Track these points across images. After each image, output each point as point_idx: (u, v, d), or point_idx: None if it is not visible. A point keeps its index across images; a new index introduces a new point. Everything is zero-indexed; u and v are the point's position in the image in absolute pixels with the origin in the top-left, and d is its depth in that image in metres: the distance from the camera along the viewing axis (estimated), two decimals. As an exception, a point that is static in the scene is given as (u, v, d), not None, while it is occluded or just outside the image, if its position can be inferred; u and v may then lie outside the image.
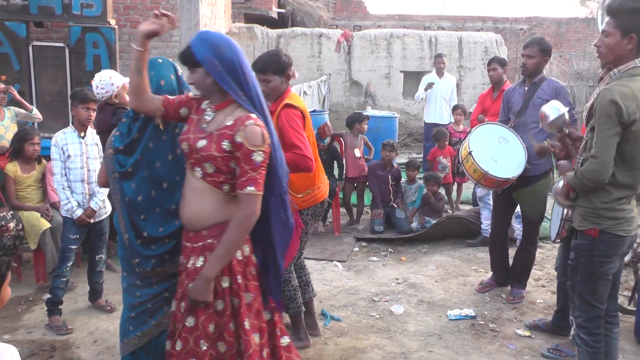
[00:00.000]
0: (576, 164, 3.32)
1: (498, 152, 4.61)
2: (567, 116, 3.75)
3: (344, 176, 7.24)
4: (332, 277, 5.60)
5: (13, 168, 5.23)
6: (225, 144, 2.51)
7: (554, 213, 4.04)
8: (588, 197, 3.19)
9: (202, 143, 2.56)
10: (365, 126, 7.54)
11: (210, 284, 2.51)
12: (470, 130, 4.81)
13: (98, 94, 4.71)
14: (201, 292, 2.50)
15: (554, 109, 3.75)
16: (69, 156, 4.45)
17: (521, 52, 5.03)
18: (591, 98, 3.21)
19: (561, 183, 3.54)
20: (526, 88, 4.80)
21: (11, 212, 4.99)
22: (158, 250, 2.87)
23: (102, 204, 4.61)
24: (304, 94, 11.71)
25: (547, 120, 3.75)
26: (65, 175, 4.47)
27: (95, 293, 4.80)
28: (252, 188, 2.48)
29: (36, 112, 6.32)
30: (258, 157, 2.48)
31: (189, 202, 2.64)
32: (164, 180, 2.87)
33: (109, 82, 4.67)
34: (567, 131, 3.68)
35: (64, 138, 4.48)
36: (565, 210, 3.74)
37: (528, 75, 4.79)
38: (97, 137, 4.67)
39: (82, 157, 4.50)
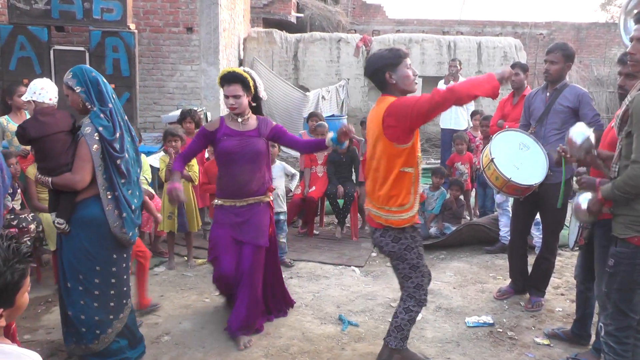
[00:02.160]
0: (612, 174, 3.27)
1: (519, 159, 4.57)
2: (592, 138, 3.62)
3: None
4: (350, 282, 5.58)
5: (34, 170, 5.27)
6: None
7: (572, 220, 3.99)
8: (630, 204, 3.13)
9: None
10: None
11: None
12: (491, 137, 4.77)
13: (43, 101, 4.48)
14: None
15: (579, 134, 3.63)
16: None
17: (542, 57, 4.98)
18: (622, 105, 3.16)
19: (582, 198, 3.49)
20: (548, 94, 4.76)
21: (32, 214, 5.09)
22: (137, 220, 3.66)
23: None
24: (322, 98, 11.74)
25: (575, 145, 3.61)
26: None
27: (113, 295, 4.82)
28: None
29: None
30: None
31: None
32: (132, 157, 3.64)
33: (44, 94, 4.36)
34: (595, 152, 3.58)
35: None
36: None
37: (551, 82, 4.74)
38: None
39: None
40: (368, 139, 3.73)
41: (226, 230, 4.23)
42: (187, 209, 5.92)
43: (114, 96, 3.60)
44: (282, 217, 6.10)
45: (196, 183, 5.99)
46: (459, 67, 9.50)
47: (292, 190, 6.68)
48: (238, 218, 4.23)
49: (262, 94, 4.37)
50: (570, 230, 4.05)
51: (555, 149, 4.53)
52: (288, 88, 12.00)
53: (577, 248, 4.01)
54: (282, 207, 6.11)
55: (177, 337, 4.34)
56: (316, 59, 13.90)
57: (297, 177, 6.67)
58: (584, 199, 3.51)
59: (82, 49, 8.23)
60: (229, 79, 4.09)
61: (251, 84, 4.17)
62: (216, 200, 4.34)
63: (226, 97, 4.14)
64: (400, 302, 3.76)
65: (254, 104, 4.32)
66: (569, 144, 3.68)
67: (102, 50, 8.08)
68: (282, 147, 6.87)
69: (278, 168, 6.16)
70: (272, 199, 4.45)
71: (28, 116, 5.95)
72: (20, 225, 4.94)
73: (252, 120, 4.27)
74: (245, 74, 4.14)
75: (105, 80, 3.59)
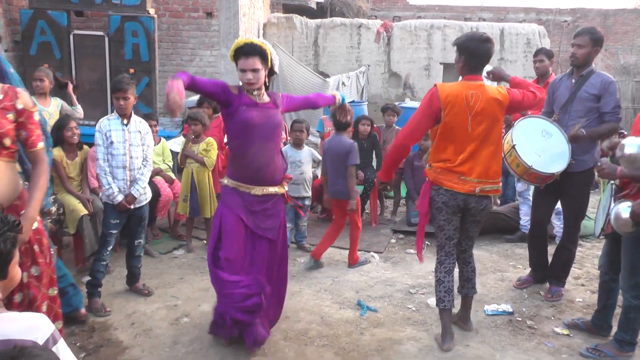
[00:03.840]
0: None
1: (541, 146, 4.49)
2: None
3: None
4: (369, 268, 5.59)
5: (59, 153, 5.29)
6: (10, 115, 2.85)
7: (600, 208, 3.93)
8: None
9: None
10: (391, 118, 7.46)
11: (34, 222, 2.88)
12: (513, 124, 4.70)
13: None
14: (29, 232, 2.85)
15: (638, 147, 3.49)
16: (111, 142, 4.49)
17: (566, 44, 4.89)
18: None
19: (622, 207, 3.42)
20: (573, 80, 4.67)
21: (53, 197, 5.11)
22: (50, 190, 3.81)
23: (143, 191, 4.66)
24: (342, 84, 11.68)
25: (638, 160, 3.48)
26: (108, 161, 4.52)
27: (133, 277, 4.88)
28: (42, 143, 2.96)
29: (79, 110, 6.43)
30: (37, 116, 2.96)
31: None
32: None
33: None
34: None
35: (108, 124, 4.54)
36: (612, 205, 3.64)
37: (577, 67, 4.64)
38: (141, 124, 4.70)
39: (125, 144, 4.54)
40: (475, 121, 3.79)
41: (239, 218, 3.79)
42: (201, 194, 5.92)
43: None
44: (307, 202, 6.13)
45: (211, 169, 5.98)
46: None
47: (319, 176, 6.69)
48: (254, 207, 3.82)
49: (276, 68, 3.92)
50: (597, 219, 3.99)
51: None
52: (308, 74, 11.96)
53: (603, 237, 3.95)
54: (308, 192, 6.13)
55: (196, 319, 4.37)
56: (336, 45, 13.83)
57: None
58: (624, 208, 3.42)
59: (101, 33, 8.25)
60: (247, 51, 3.65)
61: (269, 56, 3.75)
62: (226, 180, 3.88)
63: (243, 70, 3.68)
64: (470, 260, 4.23)
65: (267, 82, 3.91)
66: (628, 162, 3.51)
67: (122, 35, 8.08)
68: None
69: (306, 153, 6.16)
70: (286, 189, 4.08)
71: (52, 101, 5.99)
72: (41, 208, 4.98)
73: (266, 95, 3.87)
74: (265, 46, 3.73)
75: None
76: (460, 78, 4.01)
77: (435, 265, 4.10)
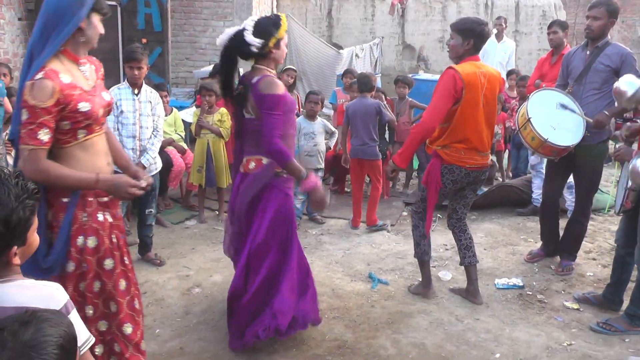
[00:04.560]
0: None
1: (556, 119, 4.45)
2: None
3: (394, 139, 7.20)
4: (381, 241, 5.59)
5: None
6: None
7: (619, 184, 3.90)
8: None
9: (107, 96, 2.73)
10: (403, 90, 7.40)
11: None
12: (527, 97, 4.65)
13: None
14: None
15: (630, 84, 3.67)
16: (122, 112, 4.49)
17: (582, 17, 4.82)
18: None
19: (638, 161, 3.41)
20: (588, 52, 4.60)
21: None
22: None
23: (153, 160, 4.67)
24: (355, 56, 11.59)
25: (625, 96, 3.67)
26: (117, 130, 4.53)
27: (144, 246, 4.91)
28: None
29: None
30: None
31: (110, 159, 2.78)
32: None
33: None
34: None
35: (118, 93, 4.53)
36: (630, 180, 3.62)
37: (592, 39, 4.57)
38: (152, 94, 4.69)
39: (135, 114, 4.54)
40: (485, 98, 4.00)
41: None
42: (217, 164, 5.91)
43: None
44: (320, 174, 6.12)
45: (227, 140, 5.97)
46: (504, 26, 9.19)
47: (331, 147, 6.68)
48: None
49: None
50: (617, 194, 3.96)
51: (594, 109, 4.43)
52: (321, 45, 11.85)
53: (623, 213, 3.93)
54: (321, 163, 6.12)
55: (208, 289, 4.41)
56: (350, 17, 13.70)
57: (336, 135, 6.63)
58: None
59: (114, 3, 8.19)
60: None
61: None
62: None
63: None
64: (466, 228, 4.36)
65: None
66: (617, 95, 3.75)
67: (134, 5, 8.05)
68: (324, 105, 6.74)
69: (319, 125, 6.14)
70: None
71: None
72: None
73: None
74: None
75: None
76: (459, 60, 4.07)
77: (415, 222, 4.37)
